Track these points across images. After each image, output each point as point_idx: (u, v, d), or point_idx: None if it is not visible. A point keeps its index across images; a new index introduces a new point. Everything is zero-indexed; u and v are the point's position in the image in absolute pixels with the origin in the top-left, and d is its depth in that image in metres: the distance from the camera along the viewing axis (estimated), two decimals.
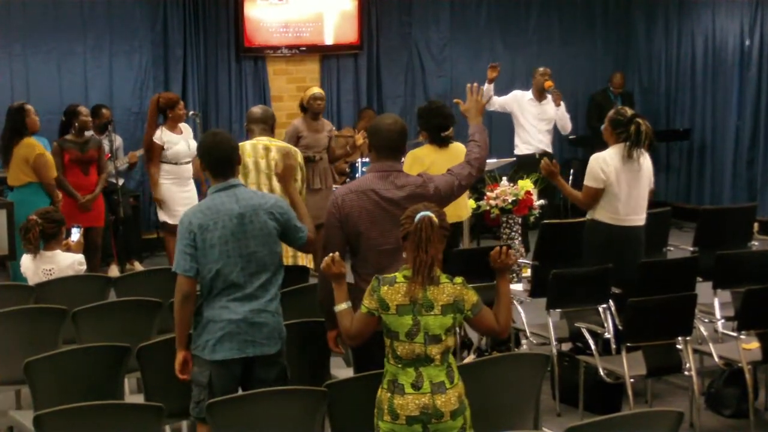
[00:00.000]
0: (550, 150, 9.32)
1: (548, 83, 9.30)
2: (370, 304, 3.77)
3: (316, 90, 8.83)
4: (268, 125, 6.09)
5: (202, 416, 4.17)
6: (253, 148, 5.92)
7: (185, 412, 4.43)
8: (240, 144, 5.86)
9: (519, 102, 9.40)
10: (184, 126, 8.63)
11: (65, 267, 5.78)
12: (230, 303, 4.19)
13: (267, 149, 5.92)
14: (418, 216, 3.73)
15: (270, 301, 4.27)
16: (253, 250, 4.20)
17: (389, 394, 3.72)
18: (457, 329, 3.84)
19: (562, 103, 9.35)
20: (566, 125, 9.53)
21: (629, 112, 6.07)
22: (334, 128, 9.23)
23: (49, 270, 5.77)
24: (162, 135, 8.44)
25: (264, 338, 4.23)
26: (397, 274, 3.78)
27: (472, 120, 4.68)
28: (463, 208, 6.50)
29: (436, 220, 3.73)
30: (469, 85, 4.78)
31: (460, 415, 3.73)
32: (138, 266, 9.42)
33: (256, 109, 6.23)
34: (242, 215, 4.20)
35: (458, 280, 3.80)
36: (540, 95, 9.34)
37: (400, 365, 3.72)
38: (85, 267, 5.88)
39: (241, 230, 4.19)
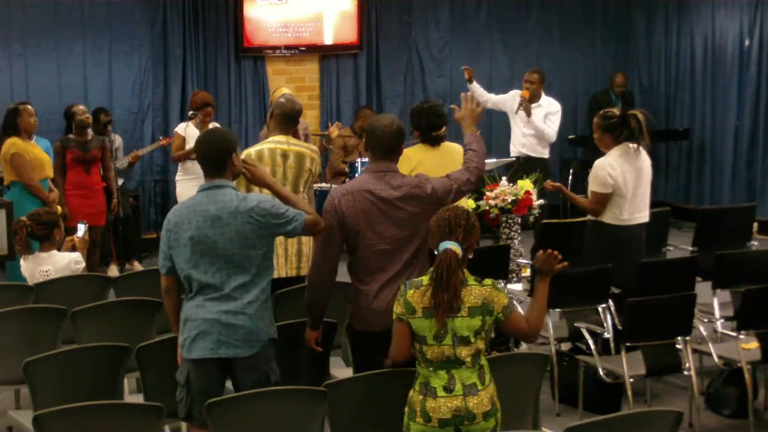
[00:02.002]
0: (538, 155, 8.93)
1: (524, 92, 8.83)
2: (398, 309, 3.77)
3: (286, 90, 8.83)
4: (295, 122, 5.98)
5: (182, 415, 4.20)
6: (271, 155, 5.76)
7: None
8: (258, 149, 5.78)
9: (511, 103, 9.05)
10: (214, 125, 8.57)
11: (62, 267, 5.77)
12: (206, 302, 4.17)
13: (285, 156, 5.79)
14: (442, 247, 3.71)
15: (249, 303, 4.18)
16: (230, 252, 4.13)
17: (421, 397, 3.72)
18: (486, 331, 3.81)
19: (533, 114, 8.83)
20: (546, 136, 8.95)
21: (616, 110, 6.06)
22: (308, 127, 9.24)
23: (46, 271, 5.76)
24: (186, 128, 8.45)
25: (239, 340, 4.16)
26: (424, 277, 3.77)
27: (467, 129, 4.68)
28: None
29: (459, 253, 3.70)
30: (463, 94, 4.81)
31: (492, 417, 3.73)
32: (137, 266, 9.43)
33: (290, 105, 5.95)
34: (218, 217, 4.13)
35: (488, 281, 3.79)
36: (530, 99, 8.92)
37: (431, 368, 3.72)
38: (82, 266, 5.86)
39: (216, 232, 4.12)
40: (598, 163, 6.03)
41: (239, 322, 4.15)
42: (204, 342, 4.15)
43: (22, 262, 5.89)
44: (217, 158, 4.23)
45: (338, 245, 4.31)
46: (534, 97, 8.89)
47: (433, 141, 5.97)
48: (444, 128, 6.14)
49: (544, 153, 8.99)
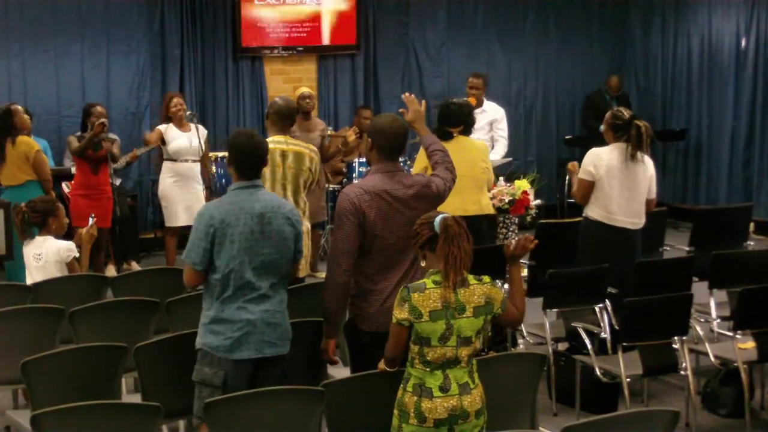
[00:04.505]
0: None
1: (471, 99, 8.18)
2: (401, 315, 3.74)
3: (305, 89, 8.88)
4: (291, 121, 5.99)
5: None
6: (270, 156, 5.69)
7: (182, 411, 4.45)
8: None
9: None
10: (193, 125, 8.60)
11: (52, 253, 5.83)
12: (247, 304, 4.20)
13: (284, 156, 5.81)
14: (440, 217, 3.74)
15: (281, 302, 4.31)
16: (267, 251, 4.21)
17: (416, 398, 3.72)
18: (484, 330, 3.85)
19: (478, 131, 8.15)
20: (502, 150, 8.66)
21: (626, 114, 6.07)
22: (327, 128, 9.24)
23: (38, 255, 5.84)
24: (166, 128, 8.45)
25: (278, 339, 4.27)
26: (425, 280, 3.77)
27: (422, 130, 4.70)
28: (486, 205, 6.56)
29: (459, 218, 3.77)
30: (405, 95, 4.82)
31: (482, 414, 3.77)
32: (135, 266, 9.42)
33: (282, 103, 5.97)
34: (262, 215, 4.21)
35: (486, 279, 3.83)
36: (475, 103, 8.43)
37: (428, 369, 3.73)
38: (73, 255, 5.87)
39: (260, 230, 4.20)
40: (590, 151, 6.14)
41: (278, 320, 4.27)
42: (248, 343, 4.19)
43: (24, 247, 5.97)
44: (261, 161, 4.32)
45: (357, 247, 4.28)
46: (478, 103, 8.53)
47: (442, 135, 6.24)
48: (461, 127, 6.44)
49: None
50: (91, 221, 6.14)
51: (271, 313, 4.23)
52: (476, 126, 8.22)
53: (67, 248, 5.87)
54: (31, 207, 5.90)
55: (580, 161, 6.33)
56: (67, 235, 6.12)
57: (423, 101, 4.82)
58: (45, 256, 5.81)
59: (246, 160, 4.29)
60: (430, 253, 3.78)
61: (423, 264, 3.86)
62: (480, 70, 11.53)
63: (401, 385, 3.79)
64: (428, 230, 3.77)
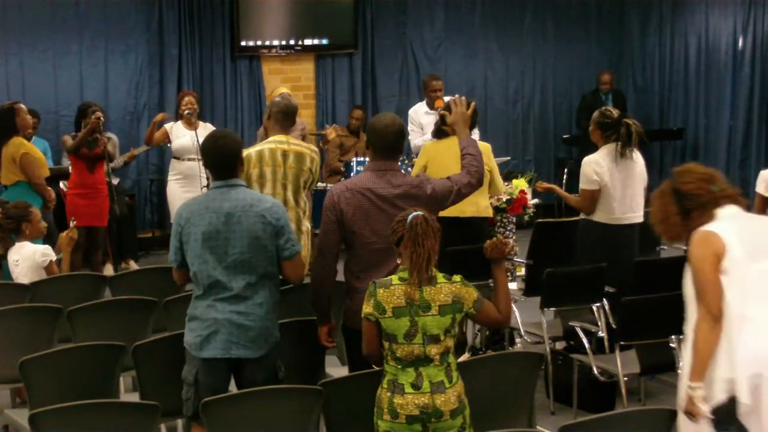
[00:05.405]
0: None
1: (439, 102, 8.08)
2: (367, 309, 3.78)
3: (283, 89, 8.85)
4: (293, 120, 5.97)
5: (189, 414, 4.22)
6: (272, 156, 5.73)
7: (180, 410, 4.45)
8: (258, 150, 5.76)
9: (418, 119, 8.48)
10: (204, 124, 8.59)
11: (27, 257, 5.87)
12: (217, 302, 4.20)
13: (285, 156, 5.77)
14: (411, 215, 3.77)
15: (260, 304, 4.24)
16: (239, 251, 4.18)
17: (389, 394, 3.74)
18: (455, 329, 3.84)
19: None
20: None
21: (615, 113, 6.09)
22: (306, 127, 9.25)
23: (16, 261, 5.89)
24: (172, 126, 8.46)
25: (249, 341, 4.21)
26: (392, 277, 3.80)
27: (461, 133, 4.70)
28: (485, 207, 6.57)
29: (429, 217, 3.77)
30: (453, 97, 4.81)
31: (460, 414, 3.75)
32: (133, 265, 9.43)
33: (286, 102, 5.93)
34: (230, 215, 4.18)
35: (456, 278, 3.82)
36: (432, 105, 8.34)
37: (399, 366, 3.74)
38: (49, 258, 5.88)
39: (227, 229, 4.18)
40: (586, 160, 6.13)
41: (250, 323, 4.21)
42: (215, 342, 4.18)
43: (7, 254, 6.02)
44: (227, 164, 4.28)
45: (336, 243, 4.33)
46: (445, 105, 8.30)
47: (437, 133, 6.20)
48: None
49: None
50: (71, 224, 6.17)
51: (243, 315, 4.19)
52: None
53: (43, 252, 5.90)
54: (5, 213, 5.94)
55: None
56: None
57: (472, 104, 4.84)
58: (22, 261, 5.86)
59: (212, 163, 4.31)
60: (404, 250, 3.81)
61: (398, 261, 3.87)
62: (479, 69, 11.63)
63: (381, 382, 3.81)
64: (403, 228, 3.79)
